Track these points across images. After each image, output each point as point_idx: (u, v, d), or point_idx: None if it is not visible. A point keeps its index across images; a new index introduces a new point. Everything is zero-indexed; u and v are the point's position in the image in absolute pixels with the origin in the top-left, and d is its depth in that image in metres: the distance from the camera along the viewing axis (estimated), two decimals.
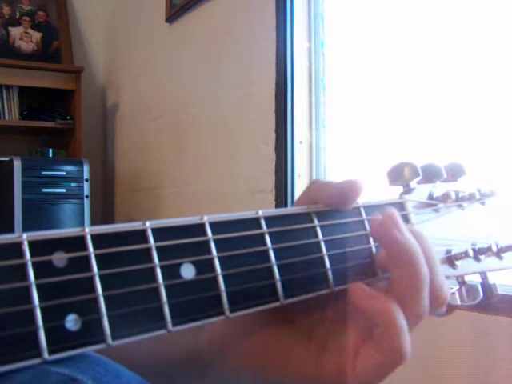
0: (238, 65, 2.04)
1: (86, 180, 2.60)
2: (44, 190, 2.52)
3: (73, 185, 2.59)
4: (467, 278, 0.45)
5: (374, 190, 0.46)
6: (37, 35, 2.99)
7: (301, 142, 1.77)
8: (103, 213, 3.21)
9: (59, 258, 0.27)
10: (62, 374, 0.30)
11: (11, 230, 2.40)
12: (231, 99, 2.06)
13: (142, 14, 2.81)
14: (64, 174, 2.58)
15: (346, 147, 1.72)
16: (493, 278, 0.46)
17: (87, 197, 2.60)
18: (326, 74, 1.79)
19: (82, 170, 2.60)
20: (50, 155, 2.76)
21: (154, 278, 0.30)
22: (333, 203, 0.38)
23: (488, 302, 0.45)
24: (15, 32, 2.95)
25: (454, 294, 0.43)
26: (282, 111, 1.77)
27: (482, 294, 0.45)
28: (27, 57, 2.93)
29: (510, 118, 1.23)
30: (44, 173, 2.54)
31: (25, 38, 2.97)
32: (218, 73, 2.16)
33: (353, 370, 0.35)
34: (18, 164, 2.46)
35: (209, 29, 2.23)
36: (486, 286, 0.45)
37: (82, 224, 2.52)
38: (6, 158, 2.58)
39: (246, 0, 2.00)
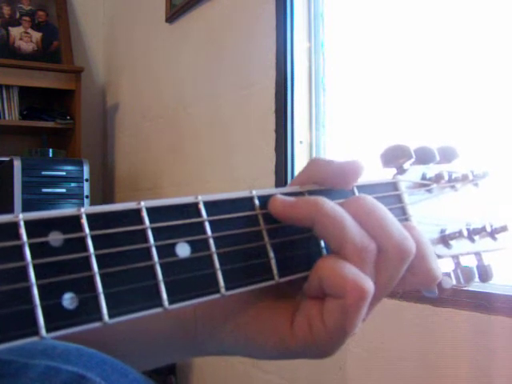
0: (237, 65, 2.04)
1: (86, 180, 2.60)
2: (44, 190, 2.52)
3: (73, 185, 2.59)
4: (463, 260, 0.45)
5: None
6: (37, 35, 2.99)
7: (301, 142, 1.77)
8: None
9: (55, 238, 0.27)
10: (72, 372, 0.30)
11: None
12: (231, 99, 2.06)
13: (142, 14, 2.81)
14: (64, 174, 2.58)
15: (345, 147, 1.72)
16: (488, 260, 0.46)
17: (87, 197, 2.60)
18: (326, 73, 1.79)
19: (82, 170, 2.60)
20: (50, 155, 2.76)
21: (149, 257, 0.30)
22: (333, 182, 0.37)
23: (483, 282, 0.45)
24: (15, 32, 2.95)
25: (449, 275, 0.43)
26: (282, 111, 1.77)
27: (477, 276, 0.45)
28: (27, 57, 2.93)
29: (502, 102, 1.24)
30: (44, 173, 2.54)
31: (25, 38, 2.97)
32: (217, 73, 2.16)
33: (322, 324, 0.35)
34: (18, 164, 2.46)
35: (209, 29, 2.23)
36: (482, 268, 0.45)
37: None
38: (6, 158, 2.57)
39: (245, 0, 2.00)
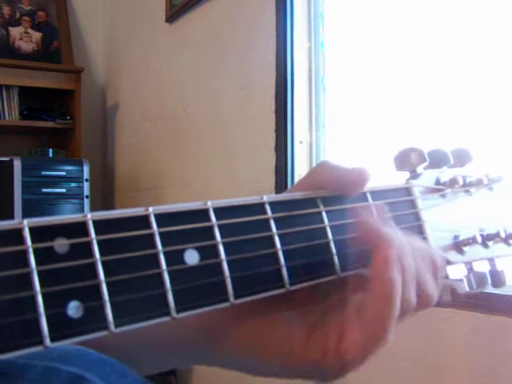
0: (237, 65, 2.04)
1: (86, 180, 2.60)
2: (44, 190, 2.52)
3: (73, 185, 2.58)
4: (475, 266, 0.44)
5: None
6: (37, 35, 2.99)
7: (301, 142, 1.77)
8: None
9: (61, 244, 0.26)
10: (71, 373, 0.30)
11: None
12: (231, 99, 2.06)
13: (142, 14, 2.81)
14: (64, 173, 2.58)
15: (345, 147, 1.72)
16: (501, 266, 0.46)
17: (87, 197, 2.60)
18: (326, 73, 1.79)
19: (82, 170, 2.60)
20: (50, 155, 2.76)
21: (157, 264, 0.29)
22: (337, 188, 0.37)
23: (496, 288, 0.44)
24: (15, 32, 2.95)
25: (461, 280, 0.43)
26: (282, 111, 1.77)
27: (490, 281, 0.44)
28: (27, 57, 2.93)
29: None
30: (44, 173, 2.53)
31: (25, 38, 2.97)
32: (217, 73, 2.16)
33: (336, 354, 0.34)
34: (18, 164, 2.46)
35: (209, 29, 2.23)
36: (495, 273, 0.45)
37: None
38: (6, 158, 2.57)
39: (245, 0, 2.00)
